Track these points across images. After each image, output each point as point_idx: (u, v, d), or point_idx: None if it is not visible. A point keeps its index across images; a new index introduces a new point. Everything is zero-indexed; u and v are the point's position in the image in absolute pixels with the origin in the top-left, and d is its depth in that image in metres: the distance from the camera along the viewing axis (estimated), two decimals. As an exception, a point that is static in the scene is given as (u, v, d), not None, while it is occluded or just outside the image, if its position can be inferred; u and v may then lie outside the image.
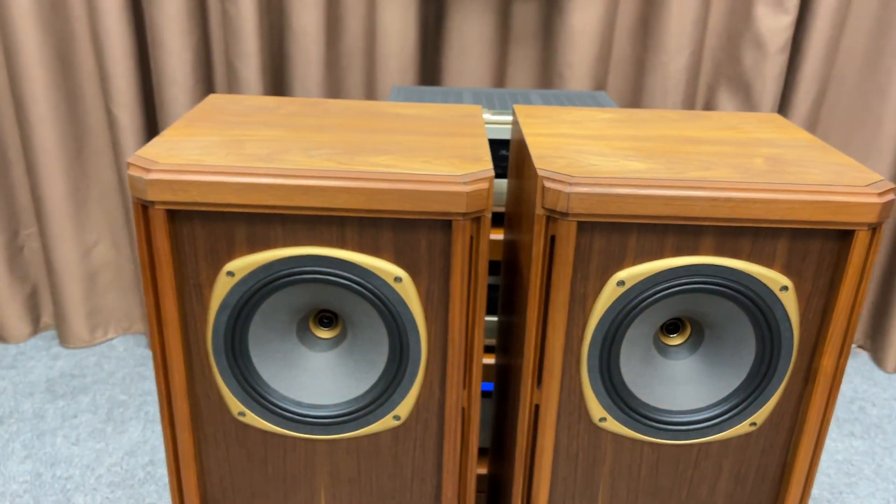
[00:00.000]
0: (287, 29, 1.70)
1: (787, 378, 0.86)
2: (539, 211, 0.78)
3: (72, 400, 1.78)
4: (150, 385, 1.82)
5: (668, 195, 0.75)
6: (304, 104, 1.00)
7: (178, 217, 0.77)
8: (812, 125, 1.80)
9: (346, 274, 0.79)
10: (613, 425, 0.88)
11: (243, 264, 0.79)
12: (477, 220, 0.77)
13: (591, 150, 0.85)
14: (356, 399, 0.86)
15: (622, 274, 0.80)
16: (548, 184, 0.76)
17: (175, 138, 0.83)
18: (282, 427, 0.86)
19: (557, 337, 0.82)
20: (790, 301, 0.82)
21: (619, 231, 0.79)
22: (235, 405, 0.86)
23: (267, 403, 0.85)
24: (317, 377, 0.86)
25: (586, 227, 0.78)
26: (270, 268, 0.79)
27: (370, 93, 1.76)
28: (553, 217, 0.78)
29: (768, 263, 0.80)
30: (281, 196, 0.75)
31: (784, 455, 0.90)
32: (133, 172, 0.75)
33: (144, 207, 0.77)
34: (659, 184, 0.76)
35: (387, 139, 0.86)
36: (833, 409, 0.88)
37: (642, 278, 0.81)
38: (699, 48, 1.72)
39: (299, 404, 0.86)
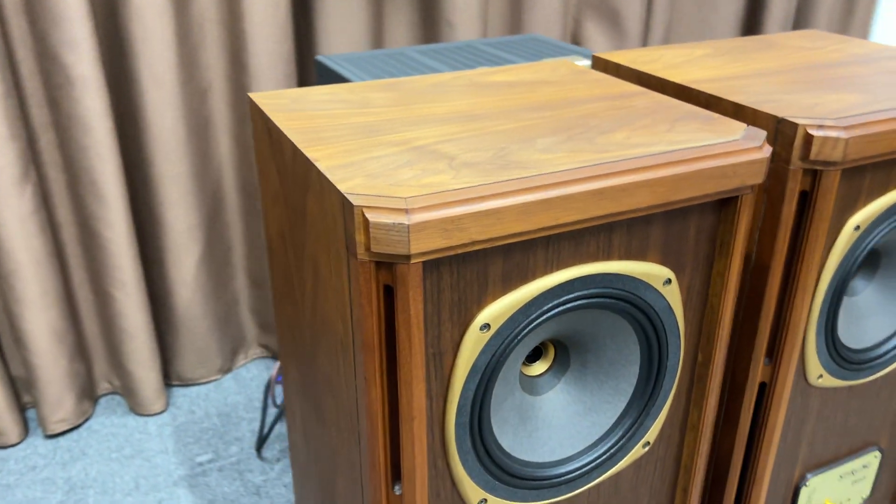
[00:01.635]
0: (122, 4, 1.33)
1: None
2: (794, 165, 0.67)
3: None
4: (24, 494, 1.39)
5: (925, 123, 0.69)
6: (380, 88, 0.76)
7: (425, 269, 0.54)
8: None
9: (616, 290, 0.62)
10: (828, 381, 0.82)
11: (499, 311, 0.58)
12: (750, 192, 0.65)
13: (775, 90, 0.75)
14: (605, 437, 0.69)
15: (857, 218, 0.73)
16: (815, 131, 0.66)
17: (341, 160, 0.58)
18: (531, 500, 0.67)
19: (805, 303, 0.73)
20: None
21: (856, 173, 0.71)
22: (476, 494, 0.65)
23: (512, 479, 0.66)
24: (552, 427, 0.68)
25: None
26: (531, 307, 0.59)
27: (237, 70, 1.45)
28: (812, 169, 0.68)
29: (962, 177, 0.78)
30: (573, 209, 0.55)
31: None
32: (378, 217, 0.50)
33: (382, 266, 0.52)
34: (915, 112, 0.69)
35: (574, 114, 0.68)
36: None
37: (875, 217, 0.74)
38: (569, -22, 1.67)
39: (542, 466, 0.68)
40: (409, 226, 0.50)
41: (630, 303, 0.64)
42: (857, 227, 0.74)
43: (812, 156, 0.67)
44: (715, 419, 0.74)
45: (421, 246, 0.51)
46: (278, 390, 1.60)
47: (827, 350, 0.79)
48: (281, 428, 1.53)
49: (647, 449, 0.72)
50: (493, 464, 0.64)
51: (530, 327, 0.60)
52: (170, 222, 1.49)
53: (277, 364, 1.46)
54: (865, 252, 0.75)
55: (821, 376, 0.81)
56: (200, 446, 1.49)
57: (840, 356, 0.81)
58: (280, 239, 0.74)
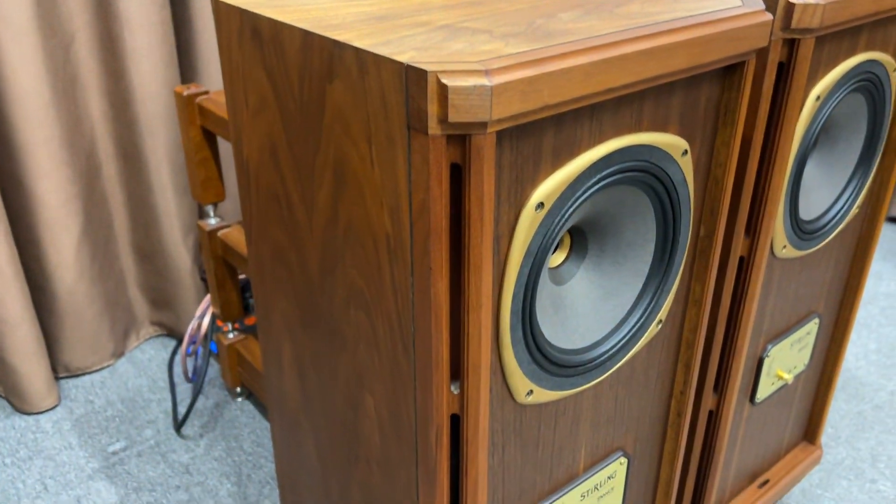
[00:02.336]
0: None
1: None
2: (775, 35, 0.70)
3: None
4: None
5: (877, -10, 0.74)
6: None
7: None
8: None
9: (645, 163, 0.62)
10: (789, 251, 0.87)
11: (552, 188, 0.57)
12: (747, 57, 0.67)
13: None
14: (626, 318, 0.70)
15: (818, 89, 0.78)
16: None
17: (374, 40, 0.53)
18: (568, 388, 0.67)
19: (782, 174, 0.77)
20: None
21: (818, 44, 0.75)
22: (524, 385, 0.63)
23: (554, 367, 0.65)
24: (578, 314, 0.68)
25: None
26: (577, 183, 0.58)
27: (104, 17, 1.31)
28: (791, 38, 0.71)
29: None
30: (629, 70, 0.54)
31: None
32: (458, 81, 0.46)
33: (451, 142, 0.49)
34: (869, -20, 0.74)
35: (571, -4, 0.67)
36: None
37: (831, 87, 0.79)
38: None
39: (576, 352, 0.67)
40: (492, 87, 0.47)
41: (655, 176, 0.64)
42: (818, 98, 0.78)
43: (793, 24, 0.70)
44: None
45: (502, 111, 0.48)
46: (189, 363, 1.49)
47: (791, 221, 0.85)
48: (197, 402, 1.43)
49: (660, 327, 0.74)
50: (540, 353, 0.63)
51: (577, 204, 0.59)
52: (42, 196, 1.34)
53: (187, 336, 1.36)
54: (823, 122, 0.80)
55: (784, 247, 0.86)
56: (109, 435, 1.36)
57: (799, 227, 0.86)
58: (266, 154, 0.68)
